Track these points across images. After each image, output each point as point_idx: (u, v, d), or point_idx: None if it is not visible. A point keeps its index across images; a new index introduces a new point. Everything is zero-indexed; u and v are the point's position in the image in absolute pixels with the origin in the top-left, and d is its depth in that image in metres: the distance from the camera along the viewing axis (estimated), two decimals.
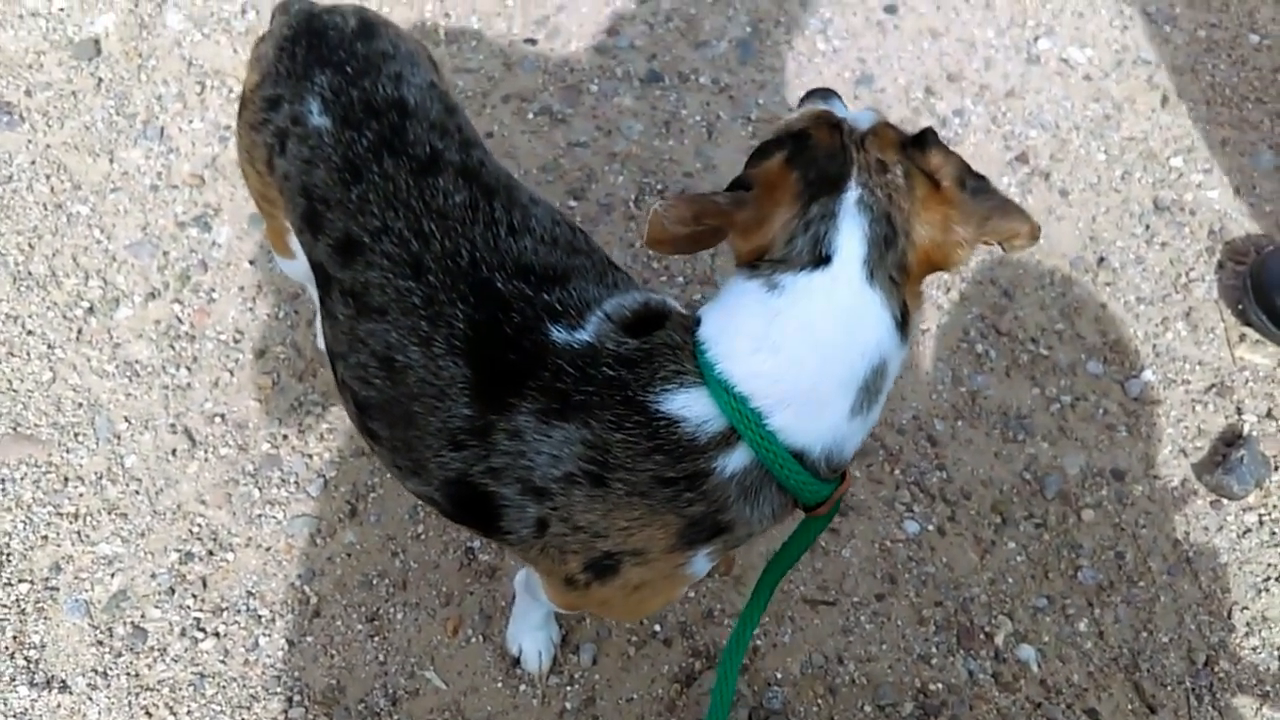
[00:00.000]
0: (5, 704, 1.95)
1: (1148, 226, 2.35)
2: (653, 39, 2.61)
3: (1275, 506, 2.08)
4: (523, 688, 1.95)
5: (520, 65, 2.58)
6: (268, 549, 2.08)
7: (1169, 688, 1.93)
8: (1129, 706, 1.91)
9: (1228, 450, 2.10)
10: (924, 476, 2.11)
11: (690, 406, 1.22)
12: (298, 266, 1.91)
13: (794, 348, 1.19)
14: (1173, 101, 2.52)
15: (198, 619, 2.02)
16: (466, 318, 1.32)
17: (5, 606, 2.03)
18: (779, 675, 1.96)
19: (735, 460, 1.22)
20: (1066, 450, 2.13)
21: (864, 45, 2.60)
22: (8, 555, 2.08)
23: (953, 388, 2.19)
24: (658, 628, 1.98)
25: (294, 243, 1.78)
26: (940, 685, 1.93)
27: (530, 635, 1.94)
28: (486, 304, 1.33)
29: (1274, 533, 2.06)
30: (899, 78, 2.55)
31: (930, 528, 2.06)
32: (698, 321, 1.27)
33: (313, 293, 2.13)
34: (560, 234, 1.44)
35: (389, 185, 1.42)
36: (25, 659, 1.99)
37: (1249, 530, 2.06)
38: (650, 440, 1.22)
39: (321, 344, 2.05)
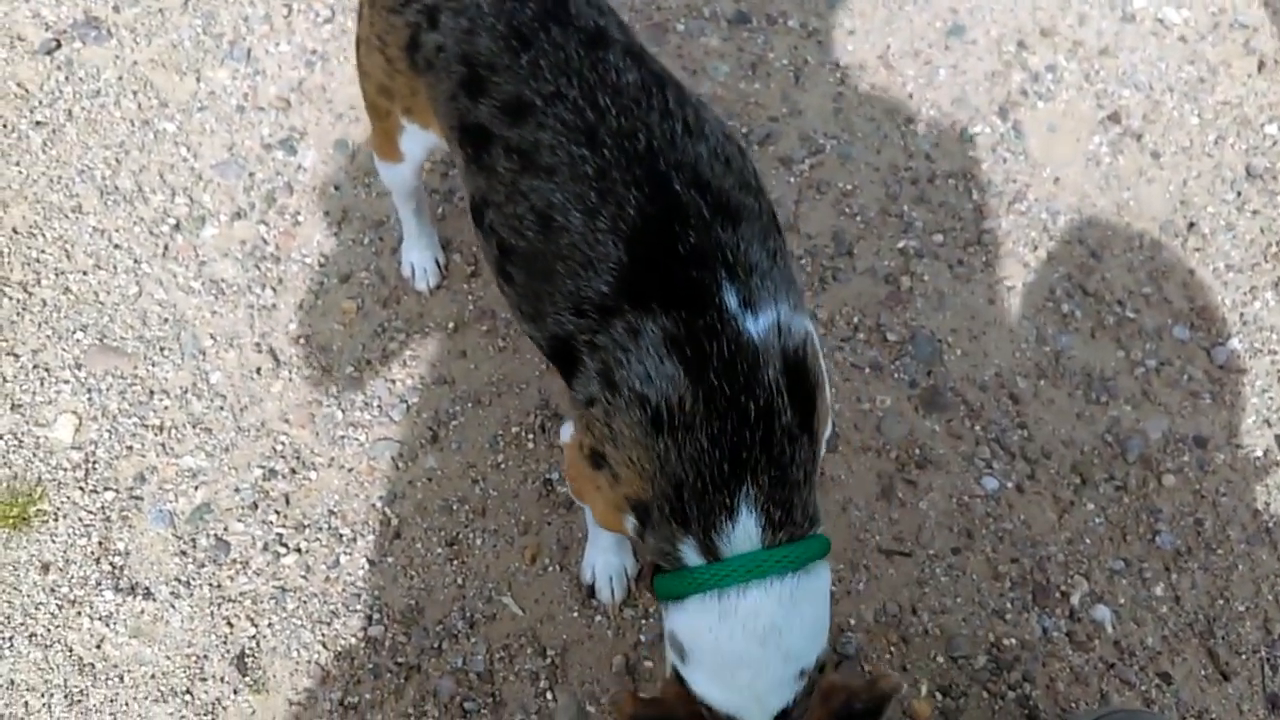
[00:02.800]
0: (91, 607, 1.95)
1: (1239, 193, 2.28)
2: None
3: None
4: (598, 618, 1.93)
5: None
6: (350, 470, 2.06)
7: (1243, 656, 1.89)
8: (1202, 672, 1.88)
9: None
10: (1004, 434, 2.06)
11: (743, 530, 1.24)
12: (402, 170, 1.91)
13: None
14: (1269, 68, 2.42)
15: (280, 534, 2.00)
16: (638, 206, 1.31)
17: (91, 513, 2.02)
18: (852, 622, 1.93)
19: (691, 557, 1.27)
20: (1149, 415, 2.08)
21: None
22: (94, 463, 2.06)
23: (1036, 346, 2.14)
24: None
25: (405, 143, 1.78)
26: (1014, 641, 1.90)
27: (603, 559, 1.92)
28: (661, 201, 1.32)
29: None
30: (991, 30, 2.47)
31: (1009, 485, 2.02)
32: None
33: (400, 205, 2.11)
34: (731, 154, 1.42)
35: (559, 54, 1.42)
36: (110, 564, 1.98)
37: None
38: (705, 478, 1.23)
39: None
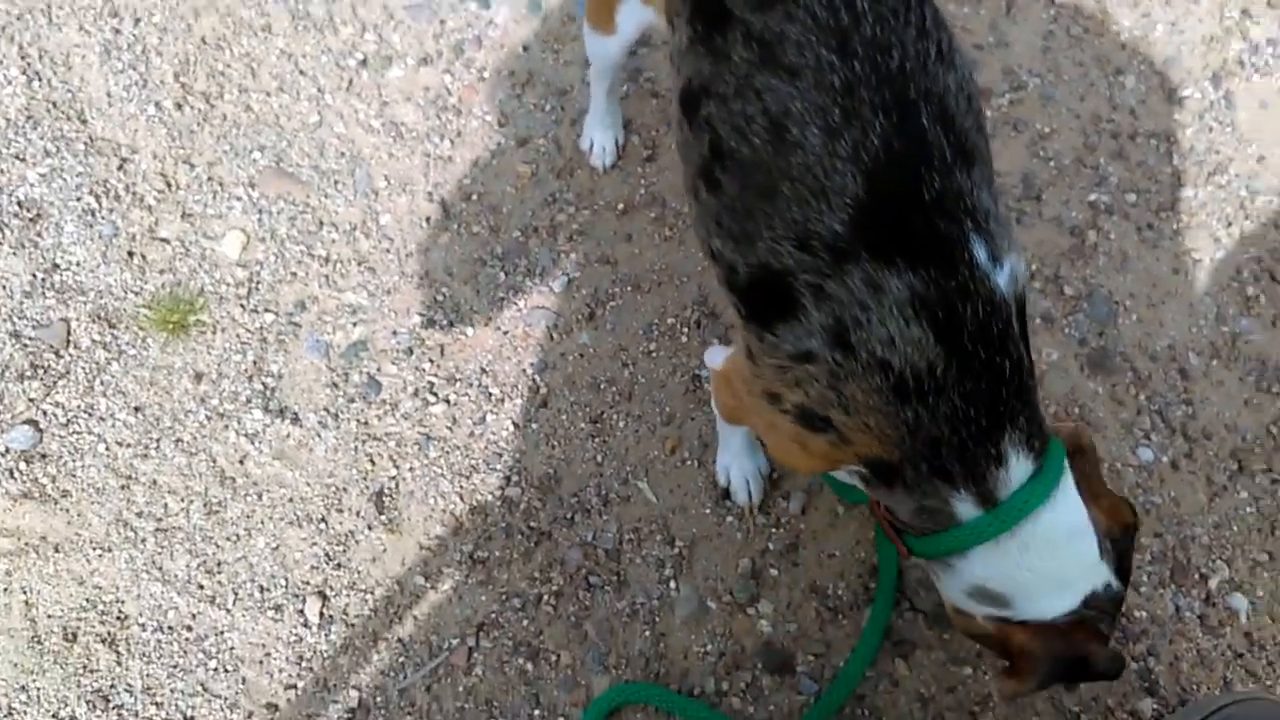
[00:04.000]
0: (239, 423, 1.97)
1: None
2: None
3: None
4: (729, 519, 1.91)
5: None
6: (505, 333, 2.04)
7: None
8: None
9: None
10: (1168, 407, 1.99)
11: (1015, 471, 1.23)
12: (611, 45, 1.83)
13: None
14: None
15: (431, 383, 2.00)
16: (883, 136, 1.18)
17: (249, 331, 2.03)
18: None
19: (966, 510, 1.24)
20: None
21: None
22: (256, 284, 2.06)
23: (1215, 325, 2.04)
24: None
25: (623, 15, 1.69)
26: (1144, 614, 1.85)
27: (737, 462, 1.89)
28: (908, 135, 1.19)
29: None
30: None
31: (1164, 459, 1.95)
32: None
33: (595, 79, 2.03)
34: (973, 91, 1.29)
35: None
36: (263, 384, 1.99)
37: None
38: (964, 435, 1.20)
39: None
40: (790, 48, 1.23)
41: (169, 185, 2.14)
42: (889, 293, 1.17)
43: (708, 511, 1.92)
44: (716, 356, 1.64)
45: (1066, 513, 1.26)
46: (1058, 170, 2.16)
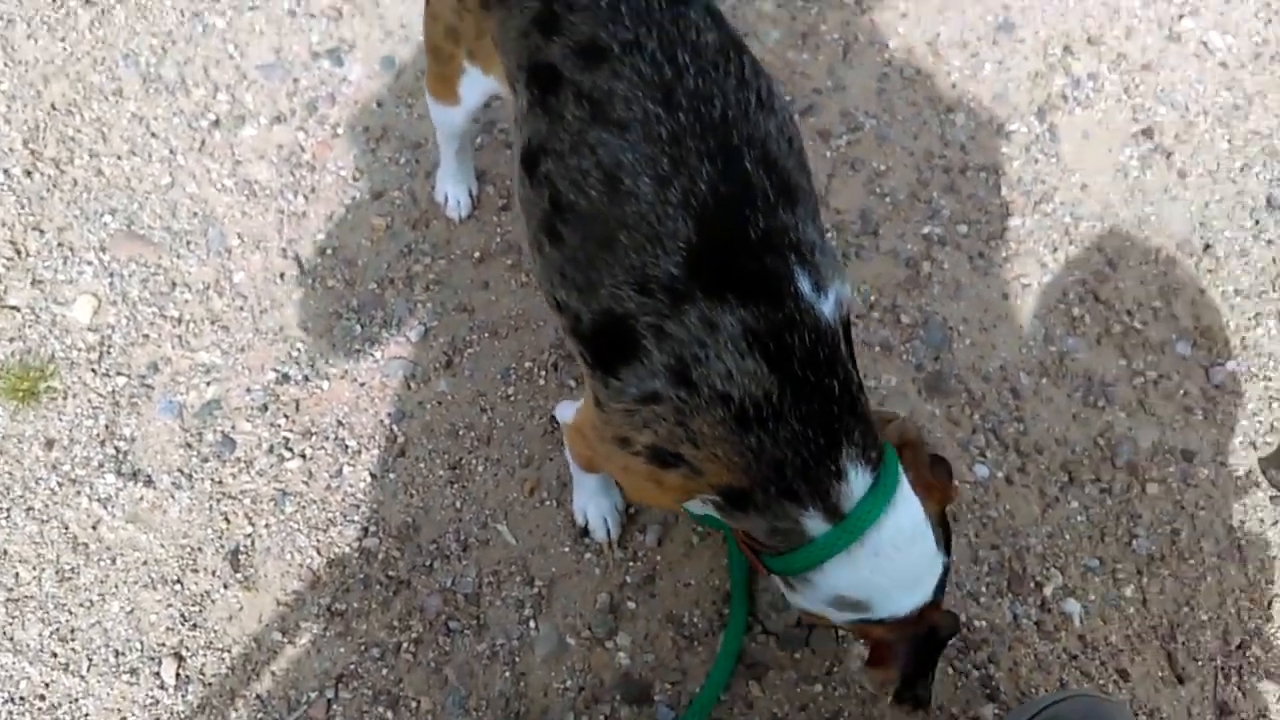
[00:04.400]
0: (91, 488, 1.96)
1: (1257, 222, 2.29)
2: None
3: None
4: (588, 555, 1.96)
5: None
6: (362, 384, 2.07)
7: (1200, 663, 1.94)
8: (1159, 673, 1.93)
9: None
10: (1001, 425, 2.09)
11: (855, 484, 1.29)
12: (456, 114, 1.86)
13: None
14: None
15: (286, 438, 2.02)
16: (710, 182, 1.26)
17: (101, 396, 2.03)
18: None
19: (815, 526, 1.30)
20: (1142, 424, 2.11)
21: None
22: (108, 348, 2.07)
23: (1044, 345, 2.16)
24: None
25: (465, 87, 1.74)
26: (984, 623, 1.94)
27: (594, 502, 1.94)
28: (733, 179, 1.28)
29: None
30: (1040, 30, 2.46)
31: (999, 475, 2.05)
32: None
33: (443, 142, 2.09)
34: (794, 133, 1.39)
35: (640, 1, 1.35)
36: (115, 449, 1.99)
37: None
38: (805, 455, 1.26)
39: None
40: (619, 103, 1.31)
41: (18, 253, 2.13)
42: (723, 329, 1.24)
43: (566, 550, 1.97)
44: (567, 411, 1.69)
45: (907, 515, 1.33)
46: (893, 205, 2.27)
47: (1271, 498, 2.07)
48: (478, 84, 1.73)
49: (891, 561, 1.32)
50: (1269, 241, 2.28)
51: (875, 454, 1.32)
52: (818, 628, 1.92)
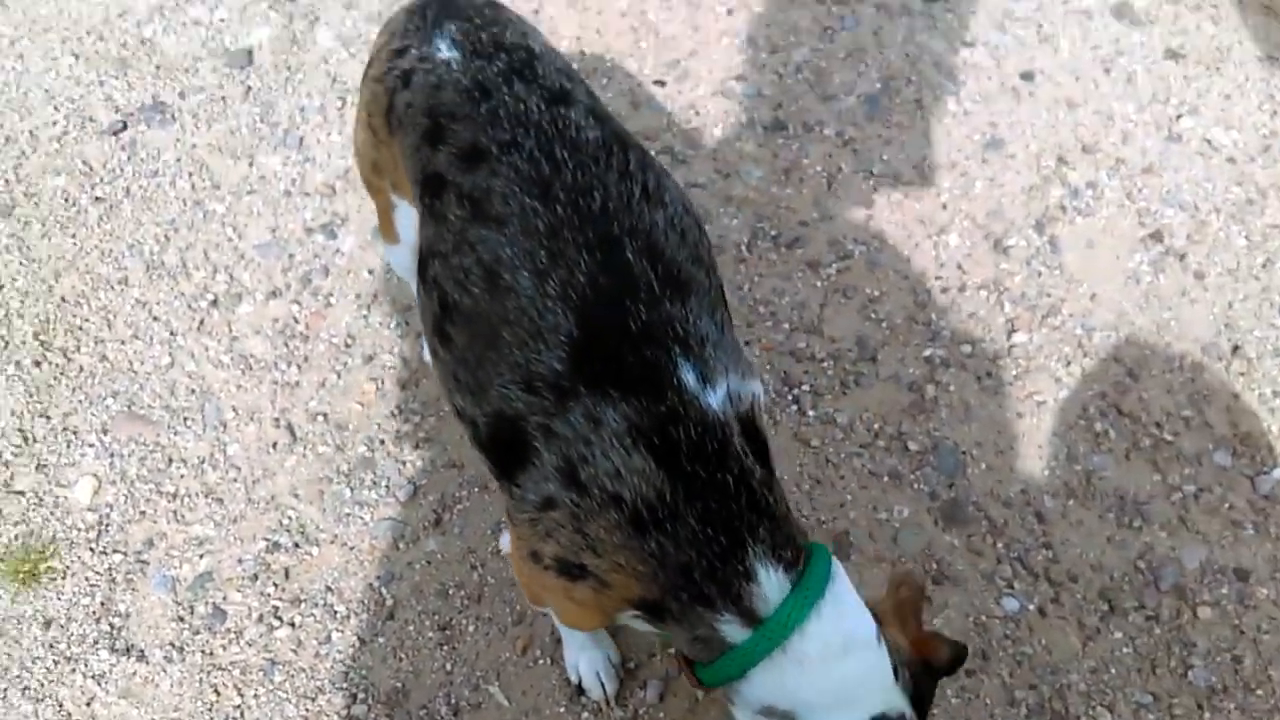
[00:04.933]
0: (86, 665, 1.94)
1: None
2: (781, 88, 2.56)
3: None
4: (585, 716, 1.84)
5: (647, 105, 2.55)
6: (351, 548, 2.03)
7: None
8: None
9: None
10: (1028, 553, 1.95)
11: (768, 586, 1.23)
12: (401, 252, 1.88)
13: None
14: None
15: (276, 607, 1.97)
16: (589, 274, 1.26)
17: (98, 574, 2.02)
18: None
19: (734, 633, 1.24)
20: (1186, 542, 1.95)
21: (996, 110, 2.50)
22: (106, 526, 2.08)
23: (1067, 465, 2.04)
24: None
25: (400, 222, 1.77)
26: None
27: (584, 655, 1.84)
28: (613, 270, 1.27)
29: None
30: (1030, 145, 2.44)
31: (1031, 607, 1.90)
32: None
33: (408, 278, 2.08)
34: (688, 226, 1.38)
35: (519, 105, 1.40)
36: (110, 625, 1.97)
37: None
38: (709, 557, 1.21)
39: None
40: (496, 200, 1.33)
41: (25, 440, 2.19)
42: (607, 424, 1.21)
43: (562, 710, 1.86)
44: (505, 541, 1.62)
45: (839, 624, 1.25)
46: (890, 330, 2.21)
47: None
48: (408, 216, 1.74)
49: (818, 674, 1.23)
50: None
51: (790, 553, 1.25)
52: None
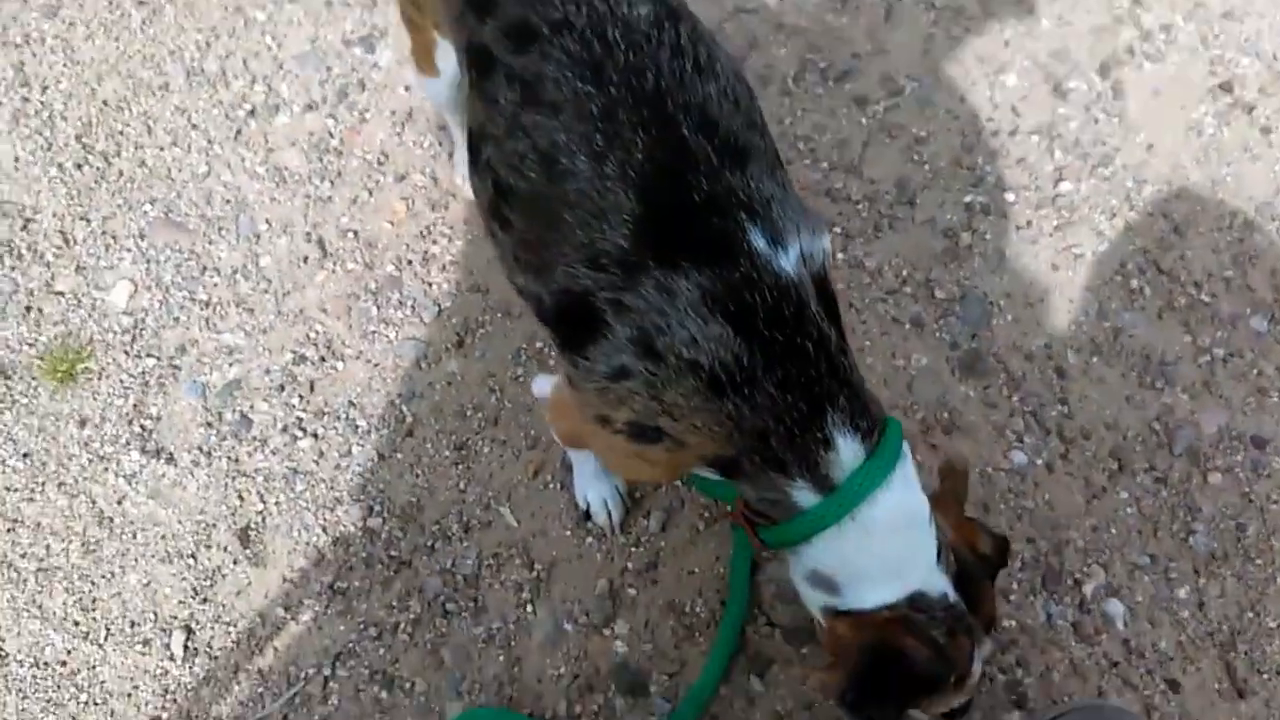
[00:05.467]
0: (118, 464, 2.07)
1: None
2: None
3: None
4: (589, 540, 1.93)
5: None
6: (375, 365, 2.11)
7: (1265, 675, 1.76)
8: (1215, 685, 1.75)
9: None
10: (1043, 408, 1.95)
11: (845, 453, 1.26)
12: (439, 86, 1.90)
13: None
14: None
15: (300, 418, 2.07)
16: (646, 151, 1.26)
17: (132, 376, 2.13)
18: None
19: (805, 498, 1.28)
20: (1207, 406, 1.93)
21: None
22: (141, 330, 2.17)
23: (1096, 321, 2.01)
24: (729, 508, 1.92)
25: (440, 58, 1.76)
26: (1013, 623, 1.81)
27: (594, 485, 1.92)
28: (669, 146, 1.27)
29: None
30: None
31: (1039, 462, 1.91)
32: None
33: (448, 120, 2.12)
34: (740, 93, 1.37)
35: None
36: (141, 427, 2.09)
37: None
38: (787, 423, 1.23)
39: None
40: (549, 85, 1.32)
41: (66, 241, 2.27)
42: (680, 294, 1.23)
43: (568, 534, 1.95)
44: (543, 385, 1.69)
45: (905, 497, 1.29)
46: (933, 172, 2.15)
47: None
48: (451, 54, 1.72)
49: (878, 543, 1.28)
50: None
51: (867, 424, 1.28)
52: None
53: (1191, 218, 2.08)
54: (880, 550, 1.28)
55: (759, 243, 1.25)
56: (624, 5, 1.35)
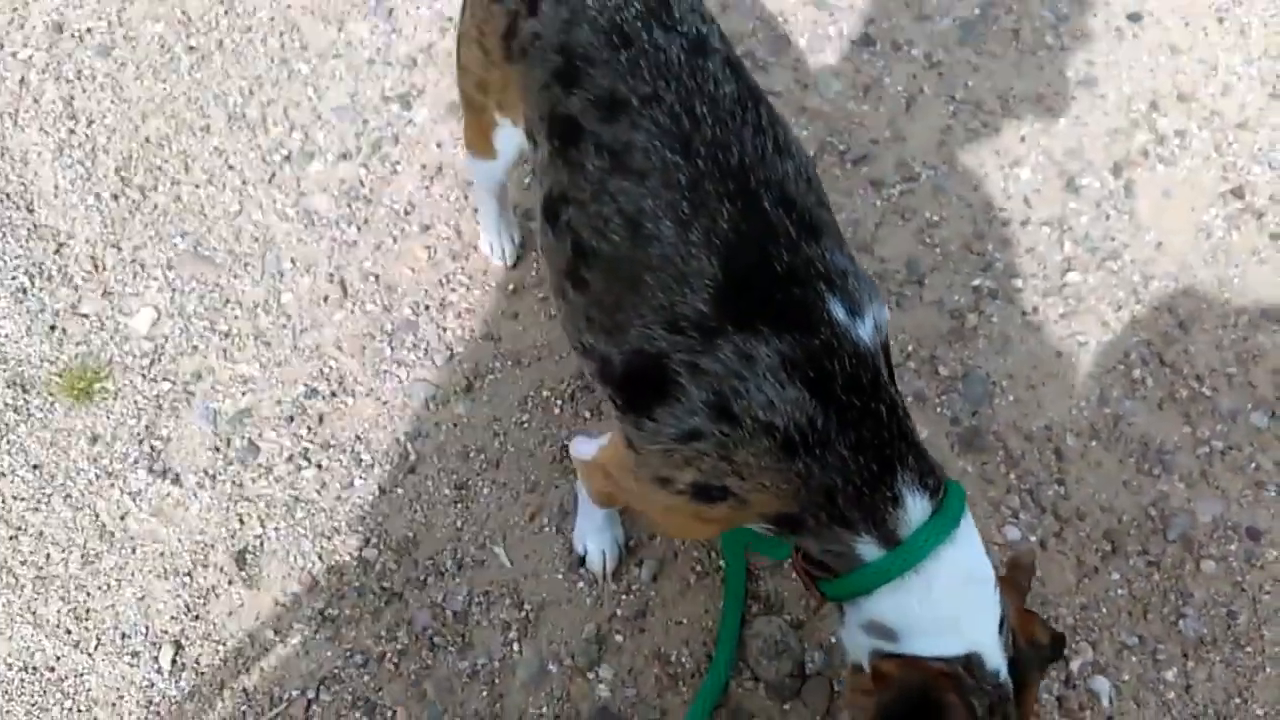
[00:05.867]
0: (125, 481, 2.27)
1: None
2: (875, 3, 2.72)
3: None
4: (581, 585, 2.11)
5: (736, 8, 2.75)
6: (384, 403, 2.32)
7: None
8: None
9: None
10: (1040, 487, 2.13)
11: (913, 511, 1.38)
12: (494, 168, 2.11)
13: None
14: None
15: (306, 449, 2.28)
16: (731, 221, 1.41)
17: (146, 399, 2.36)
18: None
19: (869, 552, 1.39)
20: (1203, 496, 2.11)
21: (1095, 49, 2.63)
22: (160, 355, 2.40)
23: (1096, 407, 2.20)
24: (722, 563, 2.10)
25: (499, 140, 1.97)
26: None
27: (595, 536, 2.10)
28: (753, 218, 1.42)
29: None
30: (1125, 87, 2.57)
31: (1033, 538, 2.09)
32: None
33: (481, 194, 2.34)
34: (812, 174, 1.53)
35: (660, 55, 1.52)
36: (150, 448, 2.31)
37: None
38: (857, 482, 1.36)
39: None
40: (638, 154, 1.48)
41: (96, 267, 2.53)
42: (760, 360, 1.36)
43: (560, 577, 2.13)
44: (586, 447, 1.82)
45: (969, 554, 1.41)
46: (943, 255, 2.39)
47: None
48: (512, 136, 1.92)
49: (940, 597, 1.38)
50: None
51: (934, 483, 1.42)
52: (810, 679, 2.00)
53: (1197, 314, 2.29)
54: (942, 604, 1.38)
55: (838, 313, 1.39)
56: (711, 83, 1.51)
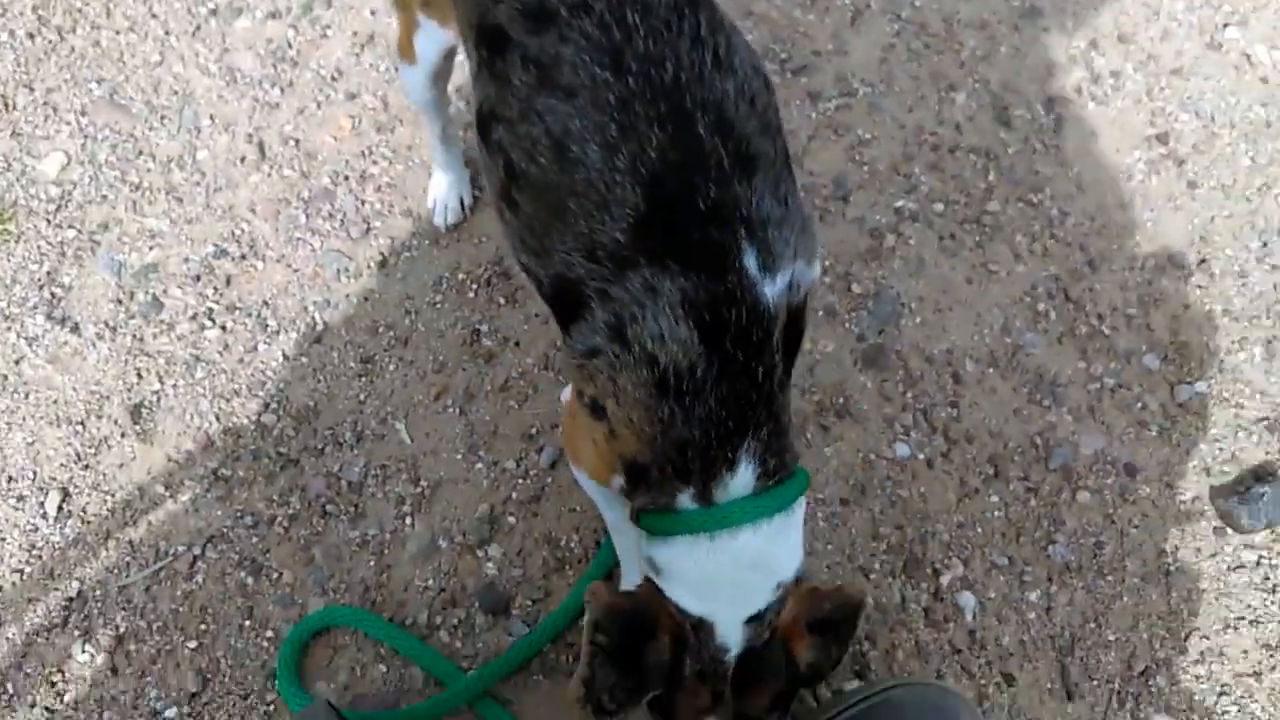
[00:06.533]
0: (22, 326, 2.36)
1: (1265, 244, 2.47)
2: None
3: (1278, 553, 2.21)
4: (479, 466, 2.25)
5: None
6: (295, 270, 2.42)
7: (1095, 682, 2.10)
8: (1048, 685, 2.09)
9: (1253, 484, 2.22)
10: (934, 408, 2.31)
11: (740, 480, 1.45)
12: (415, 76, 2.12)
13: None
14: None
15: (211, 309, 2.38)
16: (659, 148, 1.39)
17: (50, 244, 2.43)
18: None
19: (685, 502, 1.48)
20: (1088, 430, 2.30)
21: None
22: (66, 202, 2.48)
23: (998, 335, 2.37)
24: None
25: (420, 42, 1.99)
26: (870, 600, 2.15)
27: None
28: (683, 145, 1.40)
29: (1267, 577, 2.18)
30: (1068, 22, 2.70)
31: (920, 456, 2.26)
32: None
33: (426, 123, 2.35)
34: (757, 90, 1.50)
35: None
36: (51, 294, 2.39)
37: (1241, 566, 2.20)
38: (710, 436, 1.43)
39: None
40: (566, 68, 1.44)
41: (5, 106, 2.58)
42: (663, 294, 1.39)
43: (459, 457, 2.26)
44: (566, 394, 1.93)
45: (768, 546, 1.48)
46: (870, 174, 2.52)
47: (1215, 529, 2.22)
48: (433, 38, 1.95)
49: (716, 567, 1.47)
50: (1273, 267, 2.45)
51: (775, 463, 1.47)
52: None
53: (1106, 254, 2.46)
54: (711, 572, 1.47)
55: (750, 264, 1.40)
56: None
